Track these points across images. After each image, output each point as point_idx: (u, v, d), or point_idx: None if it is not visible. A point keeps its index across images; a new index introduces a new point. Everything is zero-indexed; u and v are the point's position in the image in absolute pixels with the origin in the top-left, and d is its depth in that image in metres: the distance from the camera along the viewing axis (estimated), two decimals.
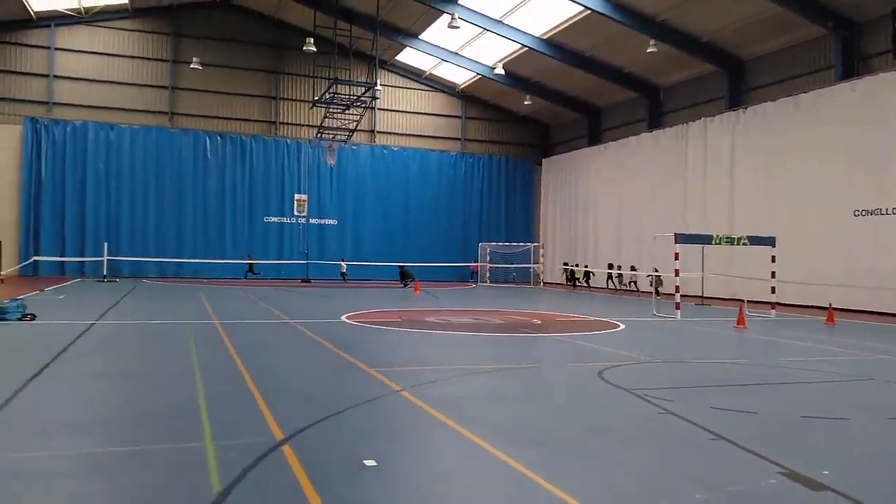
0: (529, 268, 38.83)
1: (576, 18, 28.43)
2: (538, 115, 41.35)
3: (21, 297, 15.83)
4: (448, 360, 10.57)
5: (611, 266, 33.51)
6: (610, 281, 33.54)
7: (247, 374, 8.74)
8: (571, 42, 30.87)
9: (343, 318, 16.55)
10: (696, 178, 29.16)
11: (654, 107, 33.12)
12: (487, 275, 38.89)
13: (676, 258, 18.69)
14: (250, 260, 34.81)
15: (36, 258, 30.88)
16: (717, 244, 19.74)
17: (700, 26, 26.89)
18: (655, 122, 32.85)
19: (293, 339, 12.78)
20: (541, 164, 42.02)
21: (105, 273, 30.84)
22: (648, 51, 27.59)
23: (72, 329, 13.04)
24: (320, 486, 4.63)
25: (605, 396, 8.06)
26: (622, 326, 16.17)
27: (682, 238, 19.29)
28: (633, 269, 31.53)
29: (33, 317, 14.22)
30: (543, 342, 13.26)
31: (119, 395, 7.61)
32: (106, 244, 31.82)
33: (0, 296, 14.22)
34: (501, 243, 39.31)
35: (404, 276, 32.40)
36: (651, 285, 25.26)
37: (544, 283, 38.01)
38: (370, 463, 5.14)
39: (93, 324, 13.94)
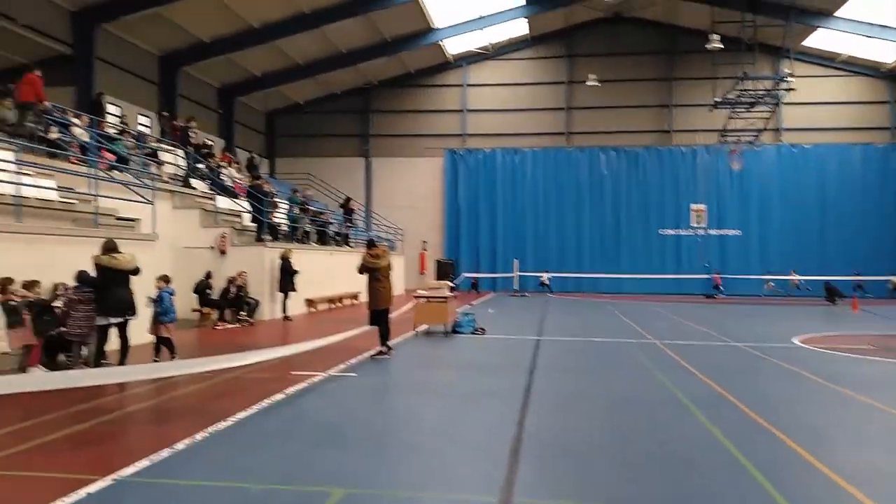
0: None
1: None
2: None
3: (465, 310, 17.15)
4: None
5: None
6: None
7: (747, 408, 7.54)
8: None
9: (795, 341, 14.36)
10: None
11: None
12: None
13: None
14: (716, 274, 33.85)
15: (466, 275, 34.04)
16: None
17: None
18: None
19: (759, 364, 11.22)
20: None
21: (516, 287, 32.82)
22: None
23: (522, 344, 13.45)
24: None
25: None
26: None
27: None
28: None
29: (483, 331, 15.13)
30: None
31: (627, 425, 6.98)
32: (516, 261, 33.93)
33: (451, 309, 15.26)
34: None
35: (831, 293, 28.07)
36: None
37: None
38: None
39: (538, 339, 14.26)
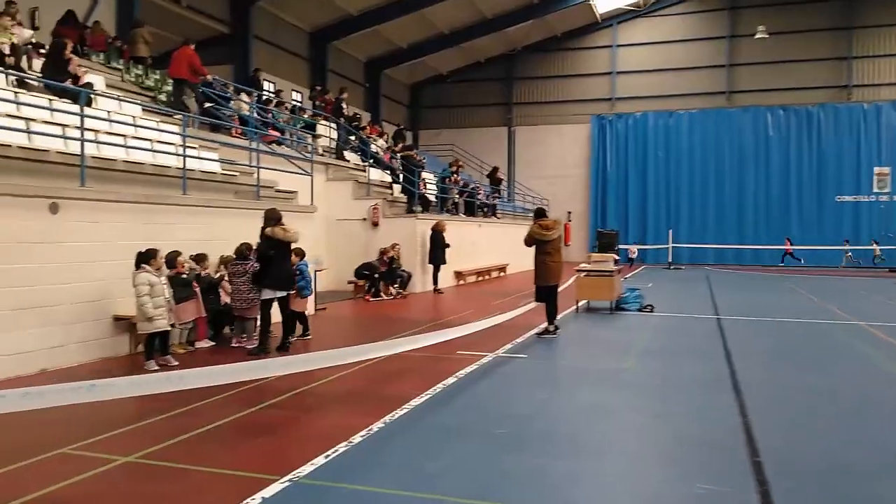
0: None
1: None
2: None
3: (630, 285, 15.86)
4: None
5: None
6: None
7: None
8: None
9: None
10: None
11: None
12: None
13: None
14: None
15: (620, 247, 32.00)
16: None
17: None
18: None
19: None
20: None
21: (670, 260, 30.73)
22: None
23: (700, 323, 12.10)
24: None
25: None
26: None
27: None
28: None
29: (652, 308, 13.82)
30: None
31: (875, 430, 5.67)
32: (670, 231, 31.73)
33: (617, 284, 14.01)
34: None
35: None
36: None
37: None
38: None
39: (718, 318, 12.78)
